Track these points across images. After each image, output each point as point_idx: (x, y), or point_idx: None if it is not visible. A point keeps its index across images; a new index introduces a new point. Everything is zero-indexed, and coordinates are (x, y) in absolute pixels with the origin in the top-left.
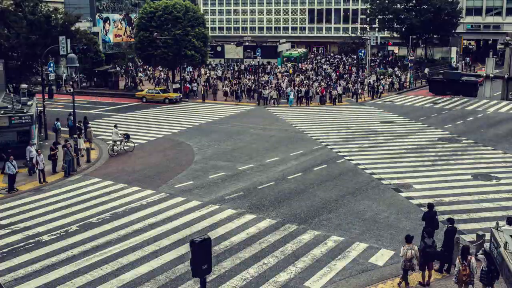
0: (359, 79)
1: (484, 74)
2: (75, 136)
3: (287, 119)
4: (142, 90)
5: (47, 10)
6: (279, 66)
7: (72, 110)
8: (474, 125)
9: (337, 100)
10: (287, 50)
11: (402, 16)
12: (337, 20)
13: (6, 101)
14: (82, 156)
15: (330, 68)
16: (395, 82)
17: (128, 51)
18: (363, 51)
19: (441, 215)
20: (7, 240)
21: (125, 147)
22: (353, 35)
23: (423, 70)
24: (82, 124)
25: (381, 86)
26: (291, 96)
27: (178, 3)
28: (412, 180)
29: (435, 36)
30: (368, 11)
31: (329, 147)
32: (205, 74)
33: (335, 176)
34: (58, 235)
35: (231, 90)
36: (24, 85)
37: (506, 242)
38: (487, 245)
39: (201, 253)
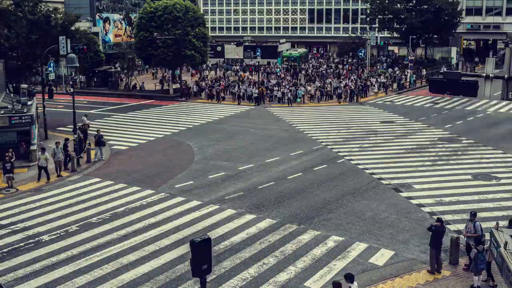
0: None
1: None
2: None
3: (287, 119)
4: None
5: (46, 10)
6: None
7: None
8: (474, 125)
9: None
10: (287, 50)
11: (402, 16)
12: (337, 20)
13: (6, 101)
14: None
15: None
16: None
17: (128, 51)
18: (363, 51)
19: (442, 215)
20: (7, 240)
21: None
22: (353, 35)
23: (421, 72)
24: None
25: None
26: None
27: (178, 3)
28: (412, 180)
29: (435, 36)
30: (368, 11)
31: (329, 147)
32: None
33: (335, 176)
34: (58, 235)
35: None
36: (24, 85)
37: (506, 242)
38: None
39: (201, 253)
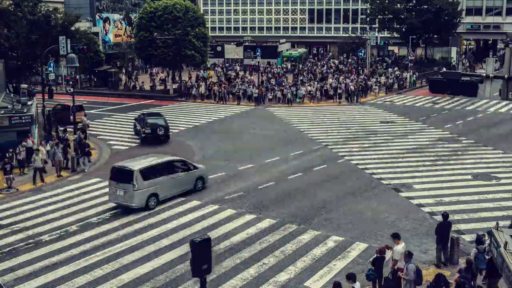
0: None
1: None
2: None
3: (287, 119)
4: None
5: (46, 10)
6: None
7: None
8: (474, 125)
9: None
10: (287, 50)
11: (402, 16)
12: (337, 20)
13: (6, 101)
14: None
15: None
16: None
17: (128, 51)
18: (363, 51)
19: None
20: (7, 240)
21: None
22: (353, 35)
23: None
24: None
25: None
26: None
27: (178, 3)
28: (412, 180)
29: (435, 36)
30: (368, 11)
31: (329, 147)
32: None
33: (335, 176)
34: (58, 235)
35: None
36: (24, 85)
37: (506, 242)
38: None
39: (201, 253)
